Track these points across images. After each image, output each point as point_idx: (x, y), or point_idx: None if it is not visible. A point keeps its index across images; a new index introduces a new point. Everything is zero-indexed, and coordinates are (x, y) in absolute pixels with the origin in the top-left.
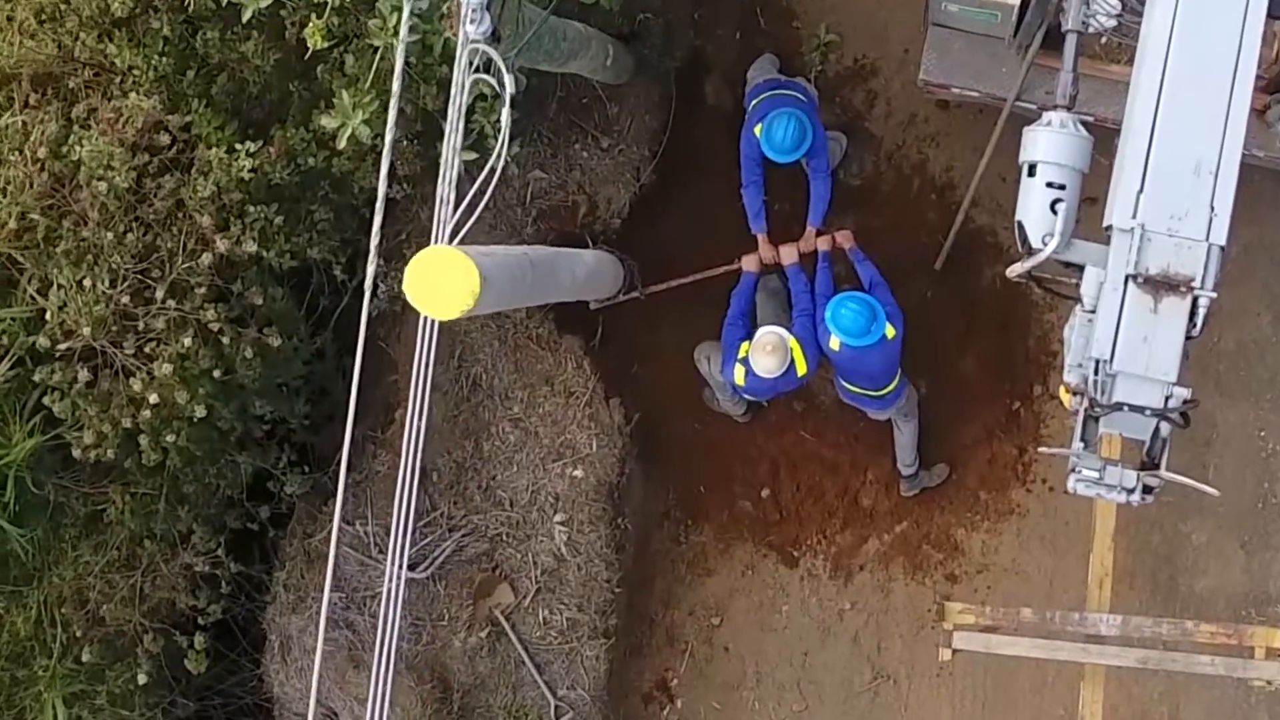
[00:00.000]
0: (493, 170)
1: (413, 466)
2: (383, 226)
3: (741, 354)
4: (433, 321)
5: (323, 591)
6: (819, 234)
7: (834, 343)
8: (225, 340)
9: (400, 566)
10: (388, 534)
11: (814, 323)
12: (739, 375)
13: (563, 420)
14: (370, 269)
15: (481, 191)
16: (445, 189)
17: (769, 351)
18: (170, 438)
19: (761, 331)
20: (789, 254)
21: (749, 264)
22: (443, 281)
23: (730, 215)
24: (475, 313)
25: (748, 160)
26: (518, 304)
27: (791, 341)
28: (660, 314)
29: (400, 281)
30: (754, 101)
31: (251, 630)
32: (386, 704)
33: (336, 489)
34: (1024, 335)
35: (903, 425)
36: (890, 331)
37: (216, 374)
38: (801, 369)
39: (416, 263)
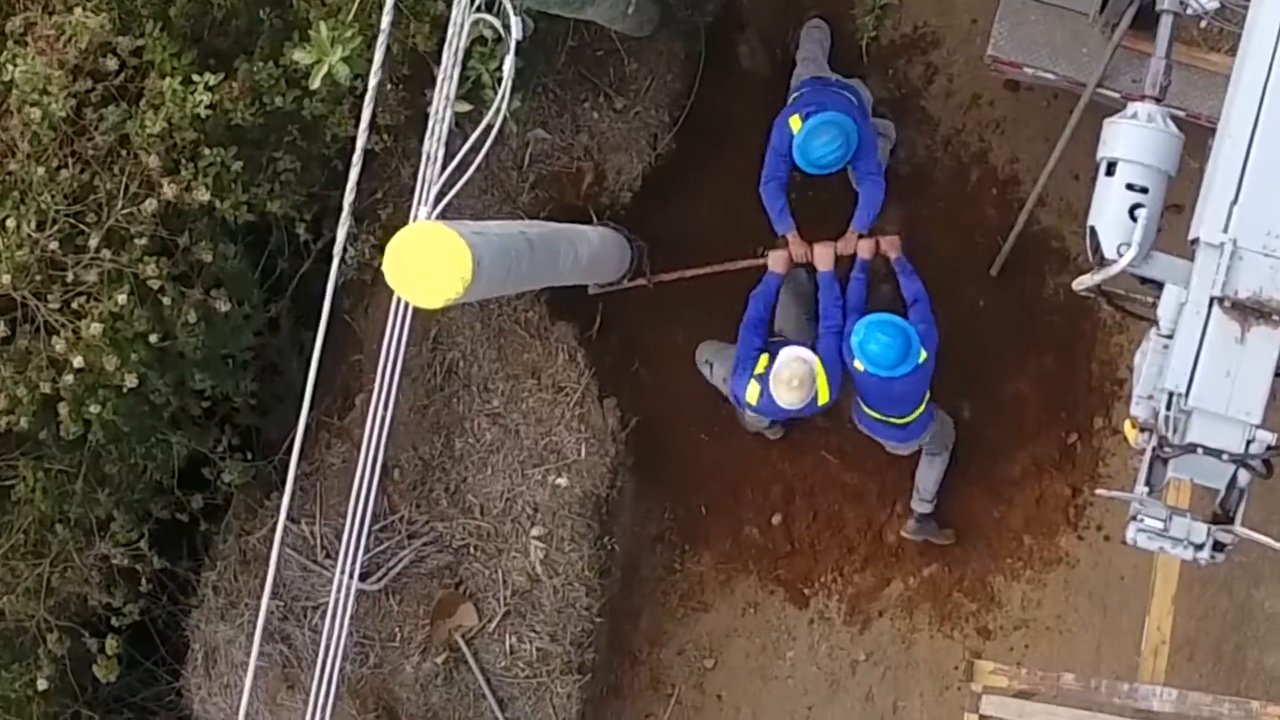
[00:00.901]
0: (489, 126)
1: (373, 461)
2: (358, 182)
3: (759, 369)
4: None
5: (258, 598)
6: (862, 238)
7: (859, 365)
8: (166, 300)
9: (350, 575)
10: (337, 537)
11: (841, 340)
12: (752, 394)
13: (548, 420)
14: (341, 231)
15: (475, 149)
16: (433, 145)
17: (794, 386)
18: (94, 408)
19: (786, 357)
20: (824, 257)
21: (776, 263)
22: (429, 264)
23: (759, 198)
24: (464, 301)
25: (774, 154)
26: (511, 290)
27: (816, 364)
28: (670, 306)
29: (372, 246)
30: (795, 95)
31: (172, 637)
32: None
33: (282, 480)
34: (1087, 358)
35: (933, 458)
36: (921, 356)
37: (153, 339)
38: (824, 397)
39: (400, 241)
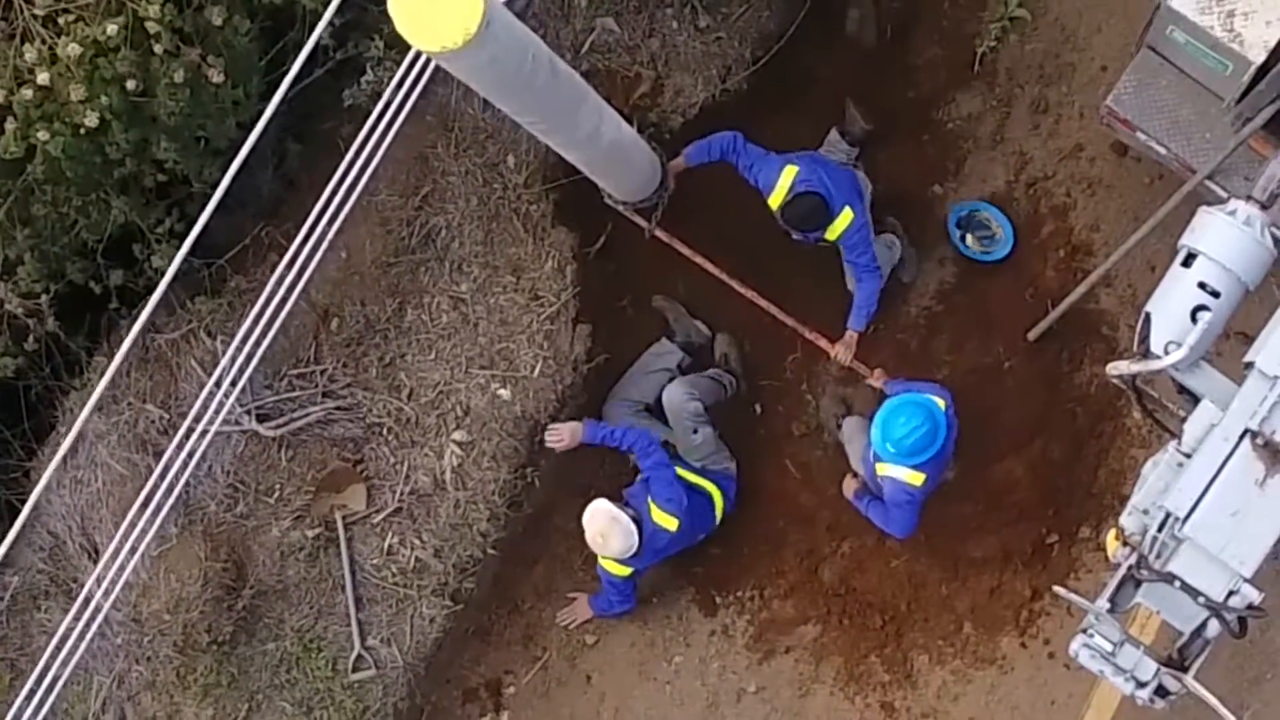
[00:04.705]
0: None
1: (294, 279)
2: None
3: None
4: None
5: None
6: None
7: (914, 477)
8: (158, 49)
9: (236, 398)
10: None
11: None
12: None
13: (513, 324)
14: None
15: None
16: None
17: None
18: (43, 135)
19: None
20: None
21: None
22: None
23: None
24: (461, 66)
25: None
26: (514, 105)
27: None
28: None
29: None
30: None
31: (40, 414)
32: (142, 549)
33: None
34: (1096, 462)
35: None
36: (941, 403)
37: (130, 85)
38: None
39: None
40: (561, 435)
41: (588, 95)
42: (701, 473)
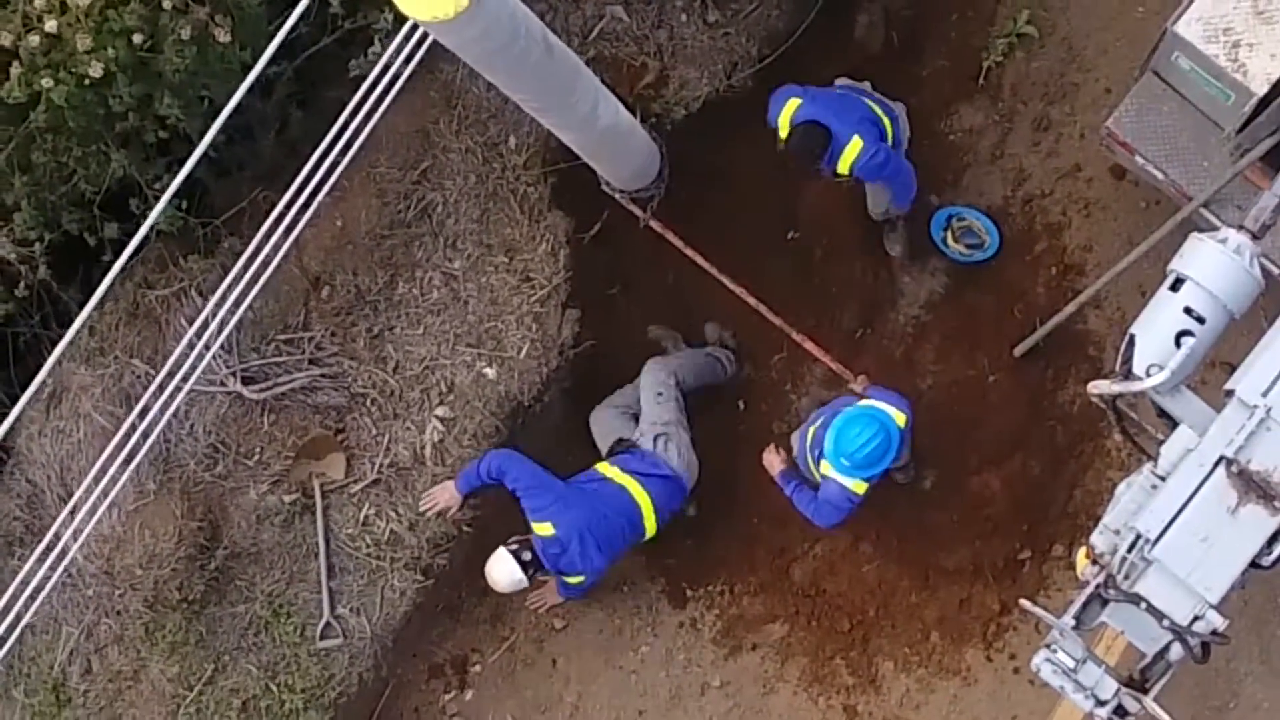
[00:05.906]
0: None
1: (280, 237)
2: None
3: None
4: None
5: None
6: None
7: (859, 486)
8: (167, 5)
9: (224, 360)
10: (238, 327)
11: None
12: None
13: (502, 304)
14: None
15: None
16: None
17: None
18: (48, 83)
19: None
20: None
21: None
22: None
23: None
24: (453, 38)
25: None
26: (507, 81)
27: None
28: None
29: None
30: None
31: (27, 361)
32: (113, 496)
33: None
34: (1073, 482)
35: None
36: (900, 418)
37: (137, 39)
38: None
39: None
40: (435, 499)
41: (583, 77)
42: (651, 469)
